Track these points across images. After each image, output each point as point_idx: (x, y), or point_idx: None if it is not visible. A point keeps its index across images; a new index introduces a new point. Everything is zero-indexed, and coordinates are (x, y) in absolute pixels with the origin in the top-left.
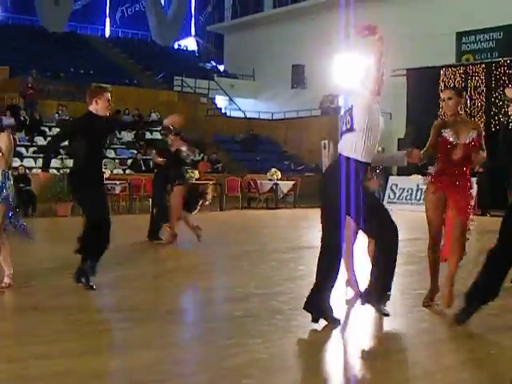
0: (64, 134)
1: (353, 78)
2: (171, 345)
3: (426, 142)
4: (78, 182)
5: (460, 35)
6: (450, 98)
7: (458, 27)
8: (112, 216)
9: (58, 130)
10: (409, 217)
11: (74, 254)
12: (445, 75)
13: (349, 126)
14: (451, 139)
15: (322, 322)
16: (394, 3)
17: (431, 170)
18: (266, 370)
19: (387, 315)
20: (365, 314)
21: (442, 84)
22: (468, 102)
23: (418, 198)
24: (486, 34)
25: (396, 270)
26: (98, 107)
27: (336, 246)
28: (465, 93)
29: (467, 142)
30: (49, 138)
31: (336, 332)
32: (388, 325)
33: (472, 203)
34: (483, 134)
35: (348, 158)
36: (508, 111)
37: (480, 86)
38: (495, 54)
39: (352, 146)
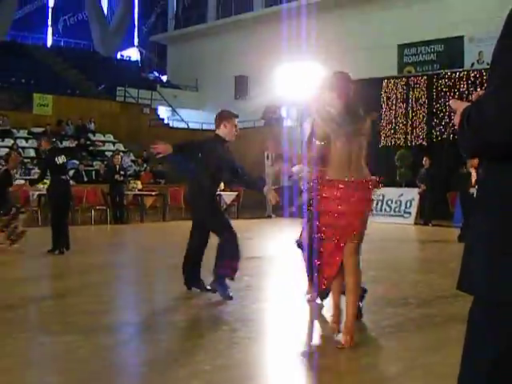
0: (192, 148)
1: (296, 88)
2: (110, 357)
3: (367, 153)
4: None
5: (402, 47)
6: None
7: (400, 39)
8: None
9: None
10: None
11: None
12: (387, 86)
13: None
14: None
15: (267, 336)
16: (337, 16)
17: None
18: (210, 382)
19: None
20: (304, 327)
21: (384, 95)
22: (410, 113)
23: None
24: (427, 46)
25: None
26: (225, 131)
27: None
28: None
29: None
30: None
31: (280, 345)
32: (326, 333)
33: None
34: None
35: None
36: (453, 122)
37: (421, 98)
38: (436, 66)
39: None
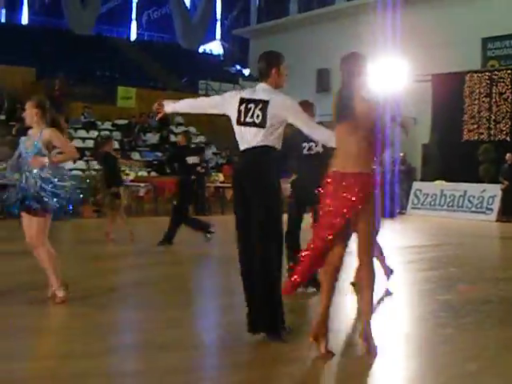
0: None
1: (377, 83)
2: (191, 347)
3: (450, 148)
4: None
5: (485, 41)
6: None
7: (484, 33)
8: (137, 218)
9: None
10: (432, 222)
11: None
12: (470, 81)
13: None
14: None
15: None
16: (421, 9)
17: None
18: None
19: None
20: (390, 320)
21: (467, 90)
22: (493, 107)
23: (441, 203)
24: (511, 40)
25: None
26: None
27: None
28: None
29: None
30: None
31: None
32: (414, 329)
33: None
34: None
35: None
36: None
37: (505, 92)
38: None
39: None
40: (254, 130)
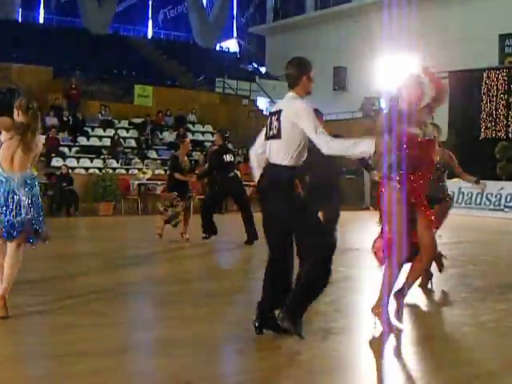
0: None
1: (395, 80)
2: (206, 345)
3: (467, 145)
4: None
5: (503, 38)
6: None
7: (501, 30)
8: (154, 216)
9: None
10: (450, 220)
11: None
12: (487, 78)
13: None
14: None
15: (362, 328)
16: (437, 7)
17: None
18: (306, 371)
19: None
20: (409, 317)
21: (484, 87)
22: (511, 105)
23: (459, 201)
24: None
25: (435, 272)
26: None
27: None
28: None
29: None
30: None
31: (376, 337)
32: (432, 327)
33: None
34: None
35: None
36: None
37: None
38: None
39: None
40: (274, 144)
